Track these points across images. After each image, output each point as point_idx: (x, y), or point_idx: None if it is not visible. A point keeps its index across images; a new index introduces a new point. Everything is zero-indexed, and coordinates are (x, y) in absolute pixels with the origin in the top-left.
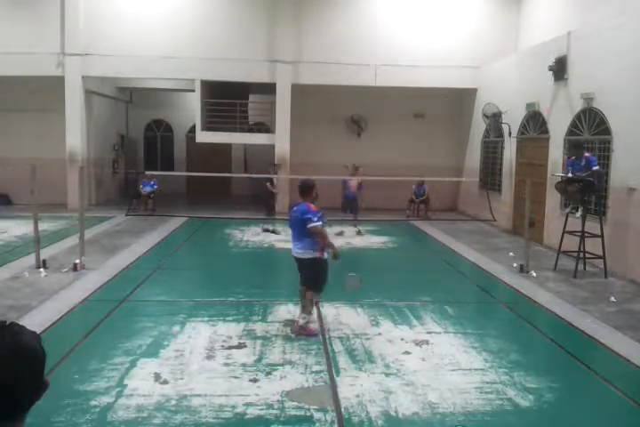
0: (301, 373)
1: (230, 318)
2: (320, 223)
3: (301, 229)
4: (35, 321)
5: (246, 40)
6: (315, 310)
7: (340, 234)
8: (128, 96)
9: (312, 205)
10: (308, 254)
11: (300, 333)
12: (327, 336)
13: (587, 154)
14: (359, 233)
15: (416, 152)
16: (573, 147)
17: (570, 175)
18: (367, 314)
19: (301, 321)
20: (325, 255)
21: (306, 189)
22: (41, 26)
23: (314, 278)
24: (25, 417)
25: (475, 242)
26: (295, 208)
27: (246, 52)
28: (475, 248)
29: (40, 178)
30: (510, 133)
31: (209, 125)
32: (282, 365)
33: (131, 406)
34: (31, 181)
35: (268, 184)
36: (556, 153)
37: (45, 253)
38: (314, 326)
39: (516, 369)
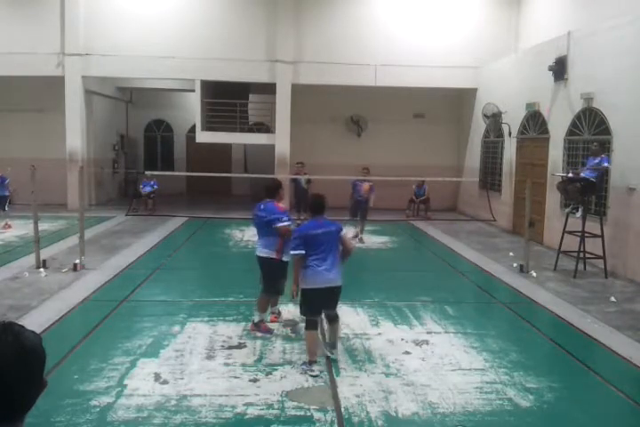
0: (301, 373)
1: (230, 318)
2: (289, 223)
3: (266, 228)
4: (35, 321)
5: (246, 40)
6: (279, 311)
7: (356, 237)
8: (128, 96)
9: (280, 205)
10: (266, 253)
11: (252, 329)
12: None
13: (603, 155)
14: (360, 240)
15: (416, 152)
16: (597, 146)
17: (570, 175)
18: (367, 314)
19: (256, 319)
20: (284, 258)
21: (272, 190)
22: (41, 26)
23: (267, 279)
24: (25, 417)
25: (475, 242)
26: (262, 206)
27: (246, 52)
28: (475, 248)
29: (40, 178)
30: (510, 133)
31: (209, 125)
32: (282, 365)
33: (131, 406)
34: (31, 181)
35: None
36: (556, 153)
37: (45, 253)
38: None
39: (516, 369)
